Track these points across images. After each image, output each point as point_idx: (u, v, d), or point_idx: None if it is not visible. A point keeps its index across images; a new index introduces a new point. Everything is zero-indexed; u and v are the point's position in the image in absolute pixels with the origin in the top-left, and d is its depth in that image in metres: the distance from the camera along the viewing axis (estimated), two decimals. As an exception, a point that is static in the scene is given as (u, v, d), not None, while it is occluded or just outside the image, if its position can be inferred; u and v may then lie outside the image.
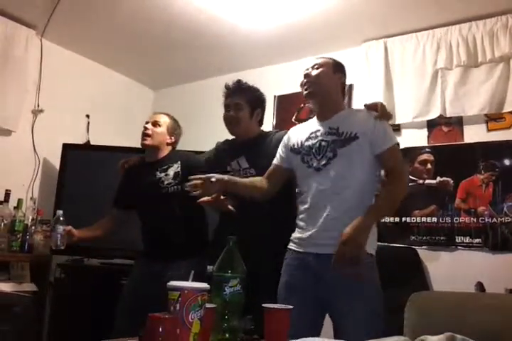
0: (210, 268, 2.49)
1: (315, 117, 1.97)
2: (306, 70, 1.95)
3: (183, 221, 2.30)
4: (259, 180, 1.98)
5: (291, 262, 1.83)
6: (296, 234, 1.85)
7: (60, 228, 2.13)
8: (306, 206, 1.82)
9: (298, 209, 1.89)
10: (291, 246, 1.85)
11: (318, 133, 1.86)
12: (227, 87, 2.27)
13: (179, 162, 2.34)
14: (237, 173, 2.15)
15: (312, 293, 1.73)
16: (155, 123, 2.37)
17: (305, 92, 1.91)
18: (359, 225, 1.64)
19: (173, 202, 2.30)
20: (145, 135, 2.36)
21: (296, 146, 1.92)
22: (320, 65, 1.92)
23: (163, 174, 2.33)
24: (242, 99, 2.20)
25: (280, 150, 2.00)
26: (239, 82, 2.27)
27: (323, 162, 1.79)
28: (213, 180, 1.81)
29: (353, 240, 1.61)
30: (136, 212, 2.42)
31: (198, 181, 1.82)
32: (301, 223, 1.84)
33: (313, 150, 1.83)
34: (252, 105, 2.22)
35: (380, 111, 1.82)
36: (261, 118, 2.29)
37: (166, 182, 2.31)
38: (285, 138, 2.01)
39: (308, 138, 1.88)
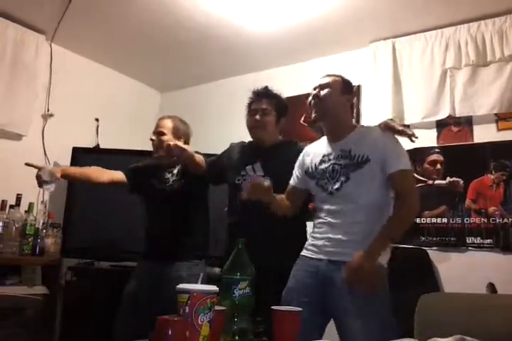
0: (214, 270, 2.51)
1: (325, 138, 1.96)
2: (313, 89, 1.93)
3: (184, 221, 2.31)
4: (283, 198, 1.99)
5: (302, 268, 1.84)
6: (309, 242, 1.88)
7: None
8: (322, 220, 1.85)
9: (315, 217, 1.91)
10: (304, 253, 1.87)
11: (331, 157, 1.86)
12: (255, 92, 2.27)
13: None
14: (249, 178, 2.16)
15: (319, 299, 1.74)
16: (160, 134, 2.38)
17: (313, 116, 1.91)
18: (367, 253, 1.66)
19: (176, 201, 2.32)
20: (154, 147, 2.39)
21: (310, 170, 1.93)
22: (328, 86, 1.90)
23: (170, 175, 2.39)
24: (270, 105, 2.21)
25: (297, 172, 2.01)
26: (267, 87, 2.28)
27: (337, 186, 1.80)
28: (266, 184, 1.82)
29: (361, 268, 1.63)
30: (145, 210, 2.44)
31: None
32: (315, 234, 1.87)
33: (327, 175, 1.84)
34: (278, 112, 2.23)
35: (398, 130, 1.82)
36: (283, 127, 2.28)
37: (171, 180, 2.37)
38: (300, 158, 2.02)
39: (322, 162, 1.89)
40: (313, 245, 1.85)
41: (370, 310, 1.64)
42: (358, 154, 1.79)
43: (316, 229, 1.88)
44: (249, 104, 2.27)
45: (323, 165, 1.88)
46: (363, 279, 1.63)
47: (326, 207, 1.83)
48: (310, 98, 1.92)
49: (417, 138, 1.84)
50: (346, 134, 1.87)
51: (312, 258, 1.82)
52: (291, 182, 2.03)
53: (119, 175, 2.45)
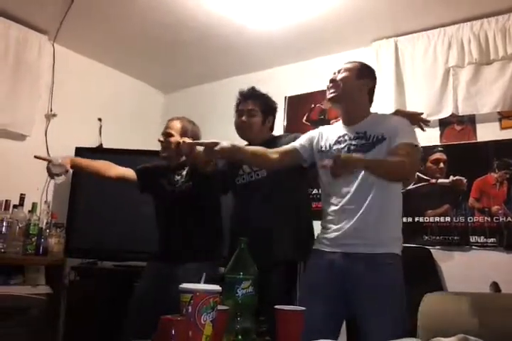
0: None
1: (340, 122, 1.96)
2: (332, 74, 1.94)
3: (194, 222, 2.31)
4: (269, 151, 1.96)
5: (317, 262, 1.82)
6: (322, 235, 1.86)
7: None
8: (333, 208, 1.82)
9: (324, 209, 1.89)
10: (317, 246, 1.85)
11: (347, 137, 1.86)
12: (241, 93, 2.30)
13: None
14: (248, 176, 2.19)
15: (337, 293, 1.72)
16: (168, 135, 2.38)
17: (328, 97, 1.92)
18: (355, 157, 1.68)
19: (185, 202, 2.32)
20: (162, 148, 2.39)
21: (324, 149, 1.91)
22: (345, 70, 1.91)
23: (179, 177, 2.39)
24: (256, 106, 2.23)
25: (305, 142, 1.98)
26: (253, 88, 2.30)
27: None
28: (217, 148, 1.81)
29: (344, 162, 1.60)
30: (154, 211, 2.44)
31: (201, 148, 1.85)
32: (327, 224, 1.84)
33: None
34: (265, 112, 2.25)
35: (413, 116, 1.89)
36: (272, 125, 2.32)
37: (179, 182, 2.37)
38: (314, 133, 2.00)
39: (337, 142, 1.88)
40: (325, 238, 1.82)
41: (385, 300, 1.64)
42: (374, 134, 1.79)
43: (328, 218, 1.84)
44: (237, 105, 2.30)
45: (339, 146, 1.86)
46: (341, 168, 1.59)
47: (341, 188, 1.79)
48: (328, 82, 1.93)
49: (428, 125, 1.93)
50: (361, 119, 1.87)
51: (326, 251, 1.79)
52: (295, 144, 1.99)
53: (129, 172, 2.45)
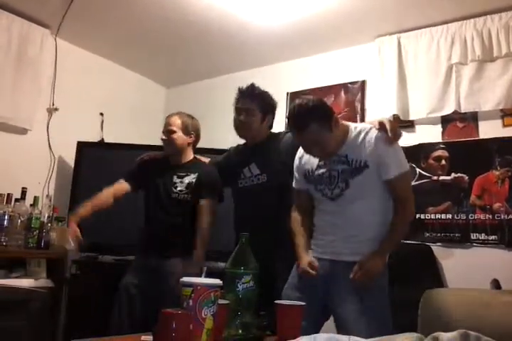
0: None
1: None
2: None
3: (184, 224, 2.33)
4: (300, 219, 1.94)
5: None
6: (312, 240, 1.88)
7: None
8: (322, 221, 1.86)
9: (316, 216, 1.91)
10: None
11: (327, 161, 1.82)
12: (240, 90, 2.27)
13: (197, 174, 2.37)
14: (249, 180, 2.20)
15: (317, 296, 1.75)
16: (171, 132, 2.38)
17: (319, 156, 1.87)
18: (379, 253, 1.72)
19: (178, 208, 2.35)
20: (164, 145, 2.41)
21: (308, 174, 1.90)
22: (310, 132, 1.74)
23: (179, 180, 2.38)
24: (254, 105, 2.21)
25: (296, 174, 1.97)
26: (252, 86, 2.26)
27: (336, 192, 1.78)
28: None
29: (368, 271, 1.68)
30: (144, 204, 2.46)
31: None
32: (318, 233, 1.88)
33: (325, 180, 1.82)
34: (263, 110, 2.23)
35: (390, 131, 1.72)
36: (271, 123, 2.30)
37: (178, 188, 2.36)
38: (296, 160, 1.96)
39: (318, 167, 1.86)
40: (315, 244, 1.86)
41: (370, 305, 1.66)
42: (356, 159, 1.75)
43: (318, 227, 1.88)
44: (236, 102, 2.27)
45: (320, 170, 1.85)
46: (371, 277, 1.67)
47: (327, 208, 1.83)
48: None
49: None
50: (341, 144, 1.79)
51: (315, 257, 1.83)
52: (295, 185, 1.99)
53: (121, 187, 2.44)
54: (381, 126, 1.75)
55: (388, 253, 1.76)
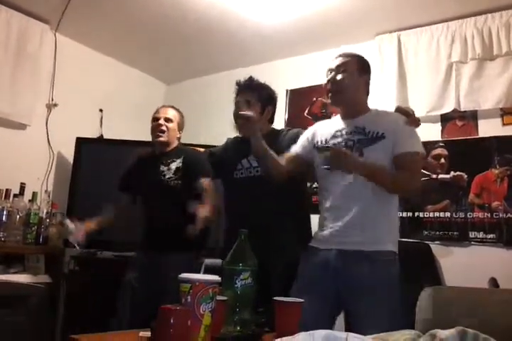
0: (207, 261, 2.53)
1: (339, 115, 1.93)
2: (329, 73, 1.86)
3: (181, 215, 2.30)
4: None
5: (312, 259, 1.80)
6: (318, 232, 1.84)
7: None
8: (328, 205, 1.81)
9: (320, 206, 1.87)
10: (313, 243, 1.84)
11: (344, 132, 1.82)
12: (238, 83, 2.25)
13: (182, 157, 2.37)
14: (247, 171, 2.16)
15: (331, 290, 1.71)
16: (167, 120, 2.37)
17: (330, 101, 1.88)
18: (356, 160, 1.70)
19: (172, 196, 2.32)
20: (160, 131, 2.38)
21: (320, 144, 1.88)
22: (345, 67, 1.83)
23: (166, 168, 2.37)
24: (253, 97, 2.18)
25: (304, 142, 1.96)
26: (250, 78, 2.25)
27: None
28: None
29: (338, 158, 1.66)
30: (139, 201, 2.48)
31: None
32: (324, 221, 1.82)
33: None
34: (262, 103, 2.20)
35: (412, 117, 1.79)
36: (271, 116, 2.26)
37: (167, 176, 2.35)
38: (309, 132, 1.97)
39: (334, 137, 1.84)
40: (321, 235, 1.81)
41: (380, 299, 1.64)
42: (373, 130, 1.76)
43: (324, 215, 1.83)
44: (235, 96, 2.25)
45: (335, 140, 1.82)
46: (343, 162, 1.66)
47: (338, 184, 1.77)
48: (326, 82, 1.87)
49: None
50: (361, 113, 1.84)
51: (321, 248, 1.78)
52: (294, 149, 1.96)
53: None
54: (401, 110, 1.83)
55: (357, 162, 1.69)
